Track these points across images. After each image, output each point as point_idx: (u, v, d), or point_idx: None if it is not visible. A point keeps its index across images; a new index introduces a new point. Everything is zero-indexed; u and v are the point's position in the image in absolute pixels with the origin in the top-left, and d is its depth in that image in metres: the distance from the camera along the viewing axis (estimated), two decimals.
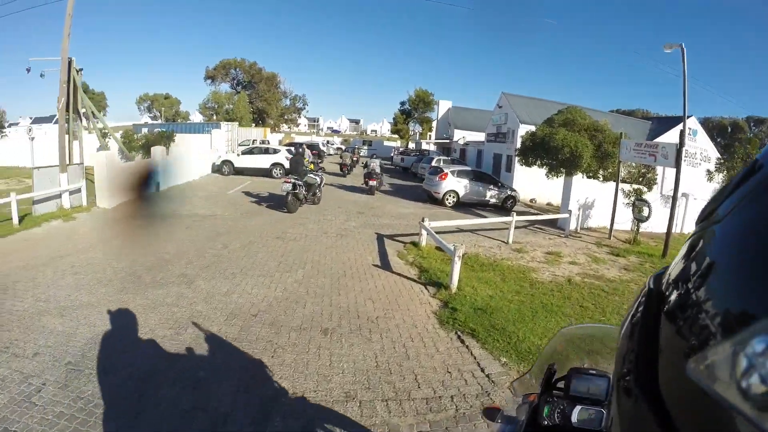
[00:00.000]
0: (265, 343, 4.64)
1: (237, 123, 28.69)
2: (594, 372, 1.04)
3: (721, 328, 0.40)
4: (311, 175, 13.00)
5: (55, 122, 14.51)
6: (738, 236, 0.47)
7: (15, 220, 9.75)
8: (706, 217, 0.57)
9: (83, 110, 14.76)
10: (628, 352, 0.60)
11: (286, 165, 17.68)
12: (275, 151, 21.43)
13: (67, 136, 12.84)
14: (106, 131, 18.40)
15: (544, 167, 15.47)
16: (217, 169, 21.34)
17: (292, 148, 17.88)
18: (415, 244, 9.33)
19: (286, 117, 54.36)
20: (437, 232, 8.71)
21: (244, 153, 21.49)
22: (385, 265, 7.78)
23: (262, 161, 21.11)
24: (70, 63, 13.67)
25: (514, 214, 11.21)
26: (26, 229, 9.58)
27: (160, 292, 5.98)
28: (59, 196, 11.84)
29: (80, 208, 12.05)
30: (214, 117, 38.76)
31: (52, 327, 4.90)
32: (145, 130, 26.33)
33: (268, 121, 47.56)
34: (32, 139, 22.25)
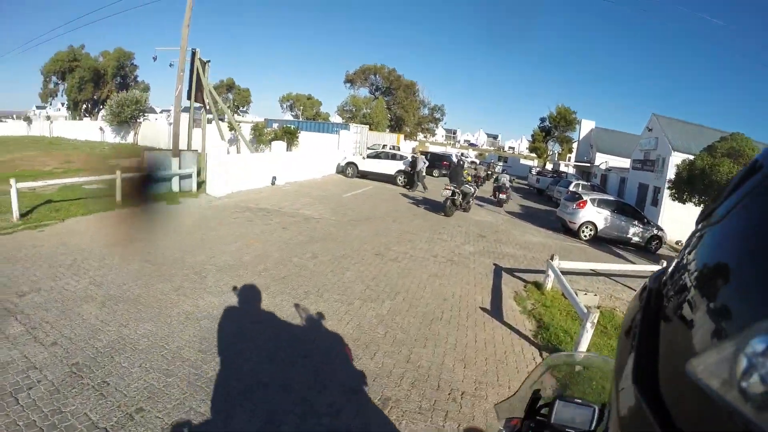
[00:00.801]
0: (288, 415, 3.78)
1: (367, 126, 29.81)
2: (580, 401, 1.13)
3: (721, 328, 0.44)
4: (467, 186, 15.77)
5: (184, 110, 17.00)
6: (738, 236, 0.53)
7: (117, 196, 11.22)
8: (706, 217, 0.64)
9: (207, 100, 16.20)
10: (627, 352, 0.65)
11: (422, 170, 20.95)
12: (402, 158, 21.60)
13: (185, 124, 13.96)
14: (232, 122, 20.26)
15: (702, 205, 14.47)
16: (341, 170, 22.80)
17: (423, 157, 21.63)
18: (539, 286, 8.68)
19: (423, 126, 59.76)
20: (567, 273, 8.24)
21: (369, 156, 22.74)
22: (495, 310, 6.75)
23: (388, 167, 21.76)
24: (194, 54, 15.20)
25: (664, 262, 9.15)
26: (127, 207, 10.94)
27: (211, 300, 5.97)
28: (169, 179, 13.71)
29: (189, 193, 13.84)
30: (352, 120, 43.66)
31: (86, 317, 5.15)
32: (275, 125, 28.85)
33: (404, 128, 53.00)
34: (170, 124, 25.64)
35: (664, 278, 0.69)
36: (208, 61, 16.93)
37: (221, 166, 14.11)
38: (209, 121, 18.46)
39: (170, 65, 15.61)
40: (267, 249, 8.51)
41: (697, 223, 0.67)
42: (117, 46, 55.87)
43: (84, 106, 52.14)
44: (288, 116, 59.51)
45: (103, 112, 41.32)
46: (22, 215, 9.44)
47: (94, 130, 40.56)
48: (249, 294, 6.24)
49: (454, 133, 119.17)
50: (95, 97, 51.89)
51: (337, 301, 6.44)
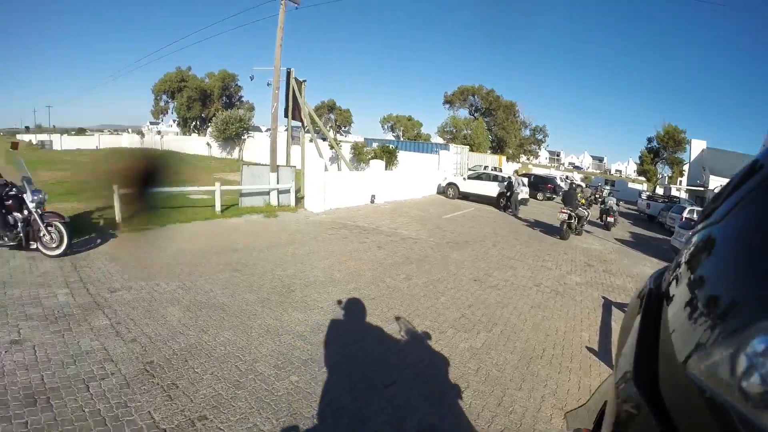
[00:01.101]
0: None
1: (468, 147, 29.66)
2: None
3: (721, 328, 0.45)
4: (582, 209, 16.27)
5: (286, 129, 18.71)
6: (738, 237, 0.55)
7: (218, 207, 12.51)
8: (706, 217, 0.67)
9: (306, 119, 17.10)
10: (628, 352, 0.69)
11: (523, 194, 21.35)
12: (504, 180, 21.22)
13: (281, 141, 14.75)
14: (331, 141, 21.38)
15: None
16: (441, 190, 22.95)
17: (521, 179, 21.40)
18: None
19: (525, 148, 60.33)
20: None
21: (470, 177, 22.64)
22: (603, 351, 6.17)
23: (489, 188, 21.60)
24: (288, 73, 16.28)
25: None
26: (225, 217, 11.96)
27: (295, 316, 5.90)
28: (267, 193, 14.58)
29: (286, 208, 14.61)
30: (453, 141, 45.48)
31: (169, 319, 5.37)
32: (374, 145, 29.57)
33: (506, 150, 53.55)
34: (276, 142, 27.39)
35: (664, 278, 0.73)
36: (304, 81, 17.86)
37: (319, 182, 14.58)
38: (310, 140, 19.28)
39: (267, 84, 16.60)
40: (360, 267, 8.41)
41: (697, 223, 0.71)
42: (221, 68, 62.28)
43: (193, 123, 58.44)
44: (389, 136, 61.40)
45: (210, 129, 45.12)
46: (123, 219, 10.18)
47: (202, 145, 45.79)
48: (334, 312, 6.09)
49: (558, 155, 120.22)
50: (203, 115, 58.20)
51: (428, 327, 6.05)
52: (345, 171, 19.60)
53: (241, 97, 61.10)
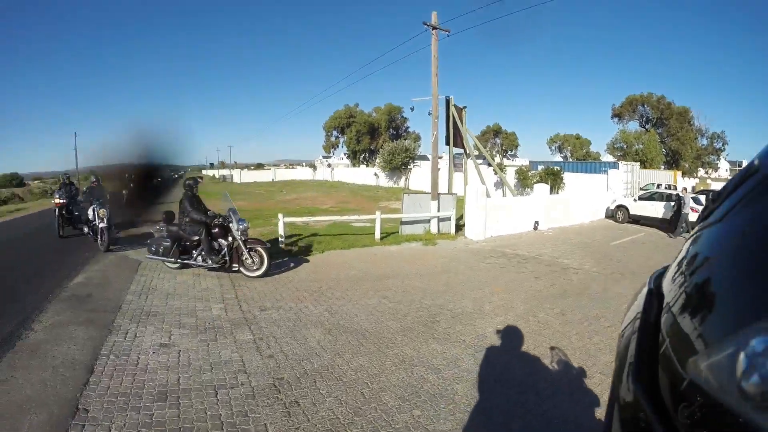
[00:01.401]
0: None
1: (638, 164, 27.21)
2: None
3: (720, 328, 0.47)
4: None
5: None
6: (737, 237, 0.57)
7: (377, 235, 13.25)
8: (705, 218, 0.69)
9: (468, 145, 17.29)
10: (628, 352, 0.71)
11: (693, 215, 18.60)
12: (678, 199, 18.90)
13: (443, 169, 15.02)
14: (494, 167, 21.06)
15: None
16: (610, 214, 21.12)
17: (694, 197, 19.02)
18: None
19: (702, 159, 56.87)
20: None
21: (641, 198, 20.26)
22: None
23: (662, 210, 18.97)
24: (447, 101, 16.68)
25: None
26: (384, 245, 12.55)
27: (434, 348, 5.74)
28: (428, 221, 14.89)
29: (446, 236, 14.80)
30: (623, 158, 43.98)
31: (309, 340, 5.69)
32: (540, 167, 28.68)
33: (682, 164, 49.58)
34: (438, 169, 27.84)
35: (664, 279, 0.77)
36: (464, 107, 18.08)
37: (480, 209, 14.46)
38: (480, 164, 19.44)
39: (428, 114, 17.03)
40: (512, 299, 8.03)
41: (697, 223, 0.74)
42: (386, 101, 67.63)
43: (362, 155, 63.68)
44: (557, 158, 59.38)
45: (377, 160, 47.98)
46: (288, 245, 11.68)
47: (370, 175, 49.68)
48: (476, 347, 5.84)
49: (740, 165, 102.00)
50: (371, 147, 63.00)
51: (578, 389, 5.42)
52: (508, 197, 19.25)
53: (407, 128, 64.80)
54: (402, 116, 63.08)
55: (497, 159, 53.43)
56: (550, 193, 19.92)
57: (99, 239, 11.37)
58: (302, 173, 70.61)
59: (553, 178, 26.72)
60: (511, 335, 6.35)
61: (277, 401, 4.14)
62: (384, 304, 7.35)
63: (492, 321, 6.86)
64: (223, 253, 8.75)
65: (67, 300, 7.06)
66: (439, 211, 14.86)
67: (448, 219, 15.11)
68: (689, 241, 0.72)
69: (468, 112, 18.58)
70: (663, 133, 52.39)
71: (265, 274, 8.71)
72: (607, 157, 51.30)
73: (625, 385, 0.65)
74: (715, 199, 0.67)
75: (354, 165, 62.87)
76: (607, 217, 22.06)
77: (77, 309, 6.62)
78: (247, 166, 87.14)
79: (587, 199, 21.54)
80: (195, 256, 8.88)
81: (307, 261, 10.55)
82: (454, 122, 17.54)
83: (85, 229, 12.37)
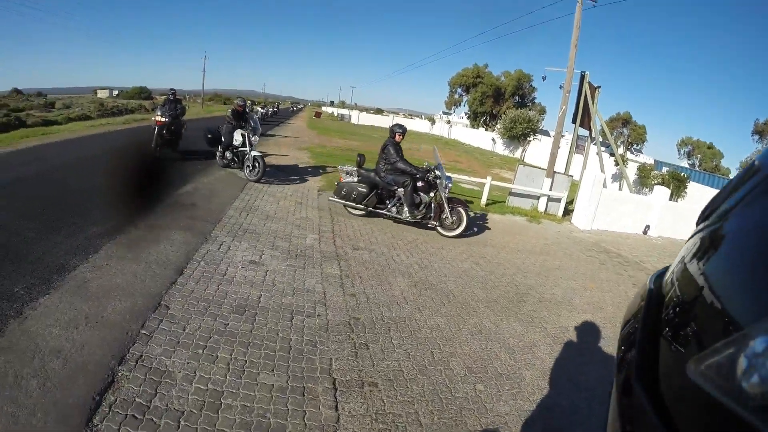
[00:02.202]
0: None
1: None
2: None
3: (721, 329, 0.47)
4: None
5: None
6: (737, 237, 0.57)
7: (483, 200, 12.90)
8: (705, 218, 0.71)
9: (599, 128, 16.09)
10: (628, 352, 0.71)
11: None
12: None
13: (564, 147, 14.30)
14: (617, 157, 19.69)
15: None
16: None
17: None
18: None
19: None
20: None
21: None
22: None
23: None
24: (582, 77, 16.04)
25: None
26: (488, 211, 12.16)
27: (513, 327, 5.49)
28: (537, 197, 14.24)
29: (552, 217, 14.11)
30: None
31: (394, 288, 5.68)
32: (664, 169, 26.43)
33: None
34: (558, 147, 26.73)
35: (664, 279, 0.76)
36: (599, 87, 16.62)
37: (594, 198, 13.56)
38: (596, 153, 18.20)
39: (560, 87, 15.95)
40: (604, 299, 7.52)
41: (697, 224, 0.75)
42: (516, 67, 63.78)
43: (483, 118, 61.59)
44: (684, 163, 54.56)
45: (498, 125, 46.45)
46: None
47: (487, 139, 48.11)
48: (556, 338, 5.52)
49: None
50: (494, 111, 60.41)
51: None
52: (625, 192, 17.90)
53: (534, 98, 61.54)
54: (531, 85, 60.11)
55: (621, 150, 50.02)
56: (670, 199, 18.25)
57: (249, 169, 10.68)
58: (420, 125, 70.23)
59: (676, 183, 24.37)
60: (594, 336, 5.95)
61: (348, 339, 4.16)
62: (475, 270, 7.15)
63: (578, 316, 6.47)
64: (421, 207, 8.58)
65: (172, 206, 7.53)
66: (551, 189, 14.07)
67: (558, 200, 14.26)
68: (690, 241, 0.72)
69: (599, 92, 17.31)
70: None
71: (461, 235, 8.63)
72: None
73: (626, 384, 0.66)
74: (715, 200, 0.69)
75: (473, 126, 60.91)
76: None
77: (180, 215, 7.04)
78: (366, 110, 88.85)
79: None
80: (389, 206, 8.76)
81: None
82: (585, 100, 16.36)
83: (227, 155, 11.43)
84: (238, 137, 11.16)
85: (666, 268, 0.80)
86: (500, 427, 3.50)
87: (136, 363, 3.29)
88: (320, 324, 4.32)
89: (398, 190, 8.54)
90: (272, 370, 3.53)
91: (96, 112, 32.53)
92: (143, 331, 3.70)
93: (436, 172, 8.55)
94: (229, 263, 5.46)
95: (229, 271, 5.22)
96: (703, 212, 0.74)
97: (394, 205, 8.68)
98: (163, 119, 11.66)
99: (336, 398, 3.35)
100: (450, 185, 8.57)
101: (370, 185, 8.59)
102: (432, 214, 8.56)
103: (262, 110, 36.63)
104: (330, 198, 9.06)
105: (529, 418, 3.72)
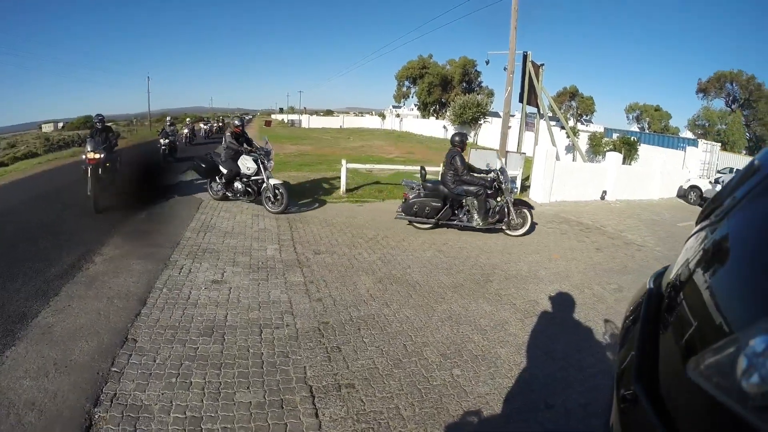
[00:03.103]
0: None
1: (719, 145, 25.50)
2: None
3: (721, 328, 0.47)
4: None
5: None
6: (737, 237, 0.56)
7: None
8: (705, 217, 0.71)
9: (547, 104, 16.55)
10: (628, 352, 0.71)
11: None
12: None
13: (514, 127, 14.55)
14: (567, 130, 20.58)
15: None
16: (682, 193, 19.73)
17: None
18: None
19: None
20: None
21: (717, 182, 18.68)
22: None
23: None
24: (525, 56, 16.67)
25: None
26: None
27: (483, 308, 5.56)
28: None
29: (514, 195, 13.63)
30: (704, 137, 42.17)
31: (359, 287, 5.68)
32: (615, 136, 27.22)
33: None
34: (509, 127, 27.06)
35: (664, 278, 0.76)
36: (542, 65, 17.09)
37: (548, 171, 13.90)
38: (553, 125, 18.61)
39: (504, 69, 16.29)
40: (569, 268, 7.68)
41: (697, 223, 0.73)
42: (460, 54, 65.15)
43: (432, 107, 62.61)
44: (634, 128, 56.77)
45: (448, 113, 46.94)
46: (349, 190, 11.93)
47: (438, 128, 48.61)
48: (526, 312, 5.60)
49: None
50: (443, 99, 61.50)
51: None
52: (579, 162, 18.43)
53: (480, 82, 62.92)
54: (476, 70, 61.30)
55: (571, 122, 51.38)
56: (623, 163, 18.81)
57: (271, 200, 9.22)
58: (371, 122, 70.95)
59: (627, 148, 25.17)
60: (564, 305, 6.07)
61: (319, 345, 4.15)
62: (438, 257, 7.20)
63: (546, 288, 6.58)
64: (492, 213, 8.65)
65: (129, 234, 7.39)
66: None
67: (514, 178, 14.65)
68: (689, 241, 0.72)
69: (545, 70, 17.68)
70: (749, 116, 50.04)
71: (526, 233, 8.83)
72: (687, 134, 48.37)
73: (626, 384, 0.65)
74: (715, 199, 0.68)
75: (424, 117, 61.66)
76: (678, 196, 20.66)
77: (137, 242, 6.92)
78: (316, 112, 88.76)
79: (660, 174, 20.24)
80: (460, 215, 8.71)
81: (362, 206, 10.54)
82: (530, 79, 16.72)
83: (237, 186, 9.62)
84: (250, 164, 9.49)
85: (665, 268, 0.79)
86: (482, 408, 3.54)
87: (111, 402, 3.20)
88: (289, 334, 4.29)
89: (467, 198, 8.54)
90: (248, 388, 3.49)
91: (42, 148, 31.36)
92: (114, 369, 3.61)
93: (501, 176, 8.67)
94: (192, 286, 5.36)
95: (193, 294, 5.13)
96: (703, 211, 0.74)
97: (465, 214, 8.70)
98: (97, 156, 8.77)
99: (315, 405, 3.34)
100: (516, 189, 8.88)
101: (442, 199, 8.53)
102: (500, 218, 8.79)
103: (205, 126, 35.05)
104: (397, 216, 8.80)
105: (508, 393, 3.78)
